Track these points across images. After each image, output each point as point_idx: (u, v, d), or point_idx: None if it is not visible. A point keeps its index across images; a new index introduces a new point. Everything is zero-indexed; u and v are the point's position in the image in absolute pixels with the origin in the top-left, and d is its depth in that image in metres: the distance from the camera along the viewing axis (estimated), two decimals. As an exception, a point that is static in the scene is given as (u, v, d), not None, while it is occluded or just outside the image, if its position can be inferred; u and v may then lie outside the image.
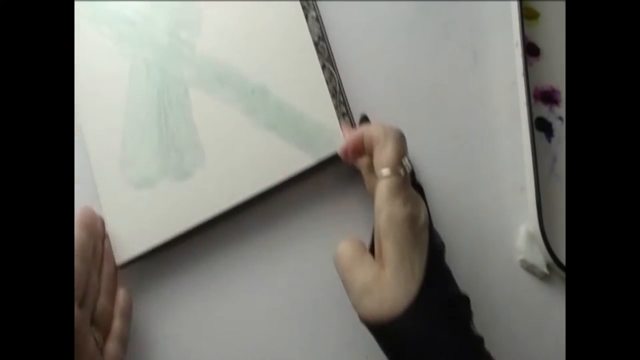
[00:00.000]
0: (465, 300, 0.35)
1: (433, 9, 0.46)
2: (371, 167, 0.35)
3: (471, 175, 0.43)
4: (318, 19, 0.42)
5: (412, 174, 0.37)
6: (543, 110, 0.45)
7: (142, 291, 0.43)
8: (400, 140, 0.34)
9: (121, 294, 0.40)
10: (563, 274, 0.41)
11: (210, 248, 0.43)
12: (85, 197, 0.41)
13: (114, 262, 0.40)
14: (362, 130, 0.36)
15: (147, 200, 0.41)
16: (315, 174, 0.42)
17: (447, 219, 0.42)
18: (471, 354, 0.32)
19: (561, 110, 0.45)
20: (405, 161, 0.34)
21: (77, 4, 0.44)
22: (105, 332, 0.38)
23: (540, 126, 0.45)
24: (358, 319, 0.34)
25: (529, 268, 0.42)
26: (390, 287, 0.31)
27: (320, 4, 0.43)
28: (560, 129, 0.45)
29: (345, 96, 0.40)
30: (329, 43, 0.41)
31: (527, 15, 0.46)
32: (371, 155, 0.35)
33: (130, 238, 0.40)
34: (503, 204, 0.43)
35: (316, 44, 0.41)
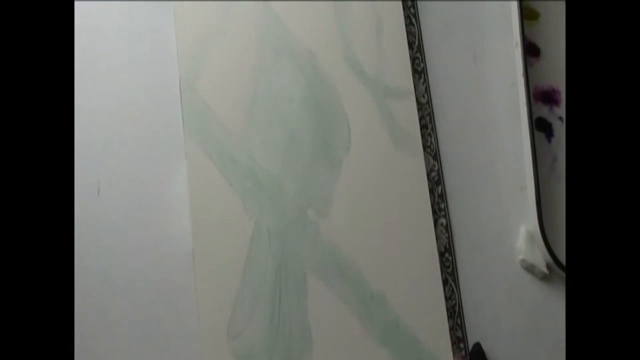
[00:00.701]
0: None
1: (433, 9, 0.46)
2: None
3: (471, 175, 0.43)
4: (448, 227, 0.41)
5: None
6: (543, 111, 0.45)
7: None
8: None
9: None
10: (563, 274, 0.41)
11: None
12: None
13: None
14: None
15: None
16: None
17: (447, 219, 0.42)
18: None
19: (561, 110, 0.45)
20: None
21: (209, 153, 0.41)
22: None
23: (540, 126, 0.45)
24: None
25: (529, 268, 0.42)
26: None
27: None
28: (560, 129, 0.45)
29: (463, 318, 0.40)
30: (455, 255, 0.41)
31: (527, 15, 0.46)
32: None
33: None
34: (503, 204, 0.43)
35: (442, 255, 0.40)
